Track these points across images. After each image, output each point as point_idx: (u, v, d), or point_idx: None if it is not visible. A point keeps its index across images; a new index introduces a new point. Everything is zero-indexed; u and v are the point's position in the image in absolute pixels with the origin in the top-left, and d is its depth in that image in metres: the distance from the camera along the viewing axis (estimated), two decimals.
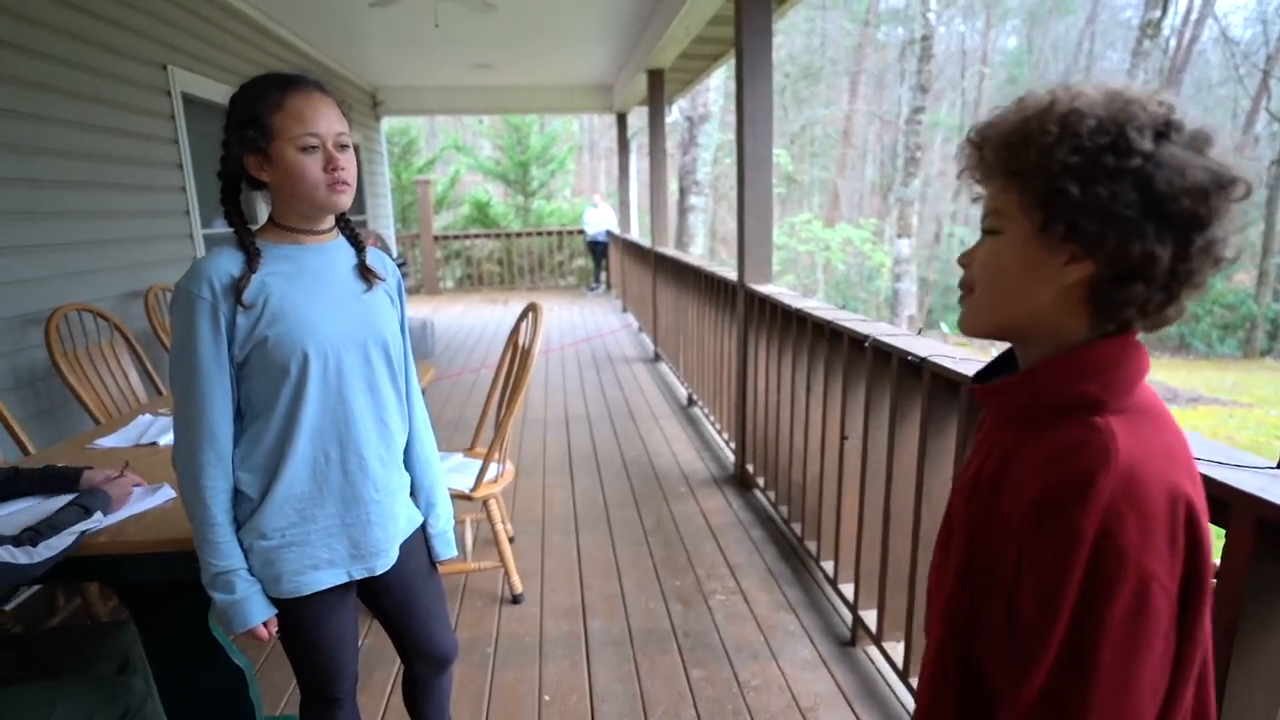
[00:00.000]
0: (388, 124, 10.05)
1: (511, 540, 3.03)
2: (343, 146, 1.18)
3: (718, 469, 3.87)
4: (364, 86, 8.52)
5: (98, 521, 1.43)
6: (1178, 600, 0.62)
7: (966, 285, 0.74)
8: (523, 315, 2.64)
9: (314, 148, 1.15)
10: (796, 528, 2.88)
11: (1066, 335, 0.69)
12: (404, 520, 1.36)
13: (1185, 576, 0.63)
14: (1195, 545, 0.62)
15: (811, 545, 2.70)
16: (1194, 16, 21.28)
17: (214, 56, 4.32)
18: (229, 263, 1.16)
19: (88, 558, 1.41)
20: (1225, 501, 0.96)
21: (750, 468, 3.55)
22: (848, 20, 23.46)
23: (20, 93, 2.73)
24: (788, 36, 22.49)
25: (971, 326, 0.74)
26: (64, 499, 1.51)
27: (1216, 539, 1.03)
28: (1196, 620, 0.64)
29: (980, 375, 0.80)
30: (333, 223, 1.29)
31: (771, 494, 3.23)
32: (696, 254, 11.08)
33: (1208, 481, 0.97)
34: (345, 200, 1.20)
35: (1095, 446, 0.62)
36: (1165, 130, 0.62)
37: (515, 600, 2.59)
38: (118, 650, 1.55)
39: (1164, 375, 12.40)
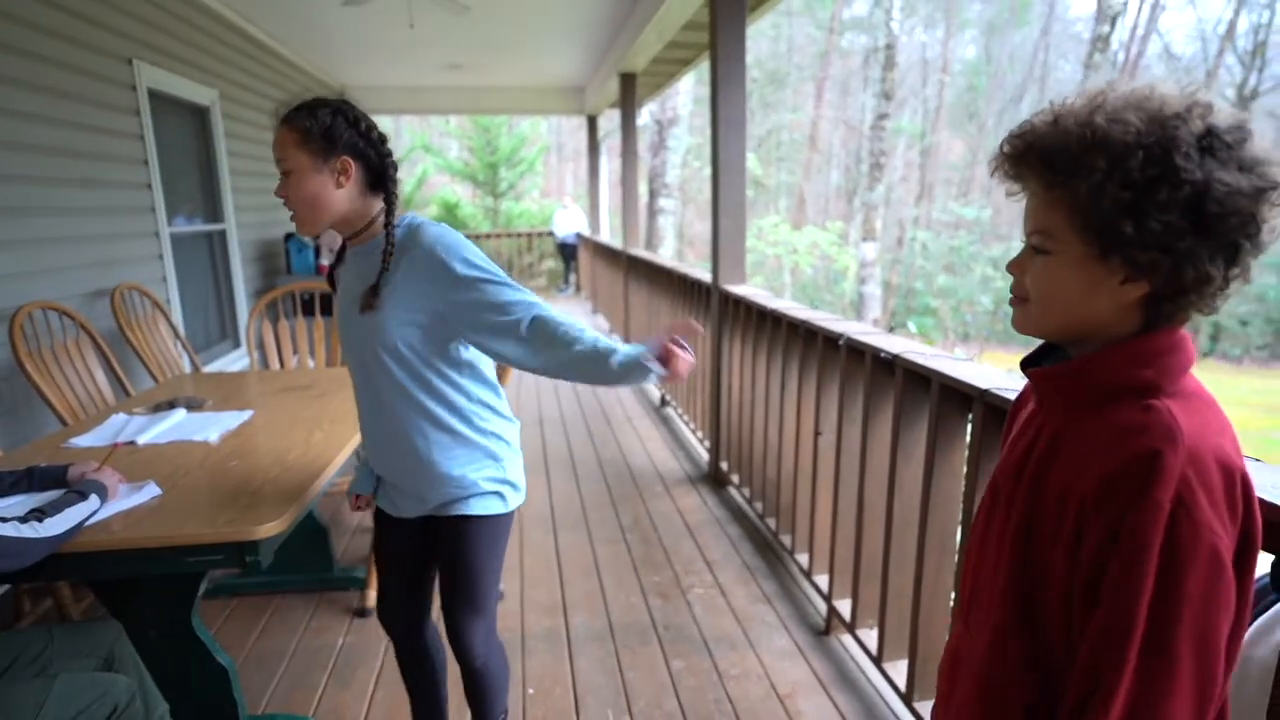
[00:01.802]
0: None
1: None
2: (285, 174, 1.32)
3: (692, 468, 3.93)
4: (331, 85, 8.41)
5: (96, 505, 1.43)
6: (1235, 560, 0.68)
7: (1018, 294, 0.78)
8: None
9: (282, 175, 1.33)
10: (771, 523, 2.95)
11: (1121, 333, 0.73)
12: (435, 491, 1.46)
13: (1239, 541, 0.68)
14: (1249, 512, 0.68)
15: (786, 539, 2.77)
16: (1139, 32, 22.14)
17: (181, 52, 4.25)
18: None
19: (74, 554, 1.40)
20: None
21: (725, 466, 3.61)
22: (813, 27, 23.82)
23: None
24: (755, 42, 22.71)
25: (1027, 331, 0.78)
26: (54, 494, 1.50)
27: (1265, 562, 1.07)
28: (1247, 583, 0.69)
29: (1027, 361, 0.84)
30: (356, 229, 1.40)
31: (746, 491, 3.29)
32: (666, 256, 11.16)
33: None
34: (300, 226, 1.35)
35: (1160, 427, 0.67)
36: (1209, 143, 0.65)
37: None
38: (101, 647, 1.53)
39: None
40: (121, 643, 1.56)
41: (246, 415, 2.21)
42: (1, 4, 2.77)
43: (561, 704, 2.05)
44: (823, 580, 2.43)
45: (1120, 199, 0.66)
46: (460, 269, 1.32)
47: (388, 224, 1.37)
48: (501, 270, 1.38)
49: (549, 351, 1.34)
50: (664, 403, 5.12)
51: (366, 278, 1.37)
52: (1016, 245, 0.78)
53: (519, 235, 12.76)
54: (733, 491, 3.54)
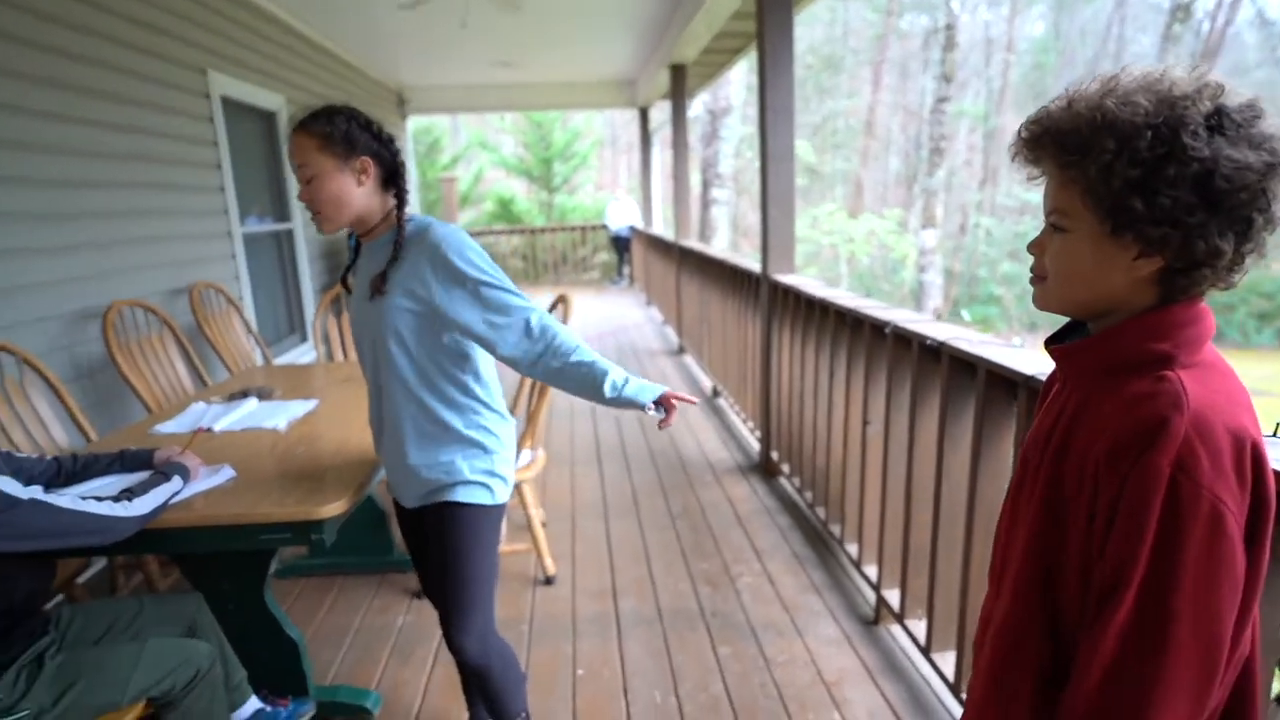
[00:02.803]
0: (413, 122, 10.20)
1: (544, 526, 3.12)
2: (306, 180, 1.40)
3: (743, 458, 3.94)
4: (391, 86, 8.67)
5: (179, 486, 1.55)
6: (1247, 527, 0.69)
7: (1038, 273, 0.81)
8: (552, 306, 2.72)
9: (304, 180, 1.41)
10: (821, 512, 2.94)
11: (1138, 308, 0.75)
12: (416, 482, 1.50)
13: (1251, 508, 0.69)
14: (1260, 480, 0.69)
15: (835, 529, 2.76)
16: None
17: (249, 59, 4.46)
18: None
19: (160, 530, 1.52)
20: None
21: (775, 455, 3.61)
22: (870, 10, 23.23)
23: (73, 99, 2.87)
24: (809, 27, 22.32)
25: (1047, 307, 0.81)
26: (142, 475, 1.63)
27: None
28: (1260, 551, 0.71)
29: (1052, 340, 0.86)
30: (368, 227, 1.48)
31: (796, 480, 3.29)
32: (720, 247, 11.11)
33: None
34: (322, 225, 1.43)
35: (1168, 394, 0.69)
36: (1218, 122, 0.67)
37: (548, 581, 2.68)
38: (185, 617, 1.66)
39: None
40: (202, 612, 1.69)
41: (312, 404, 2.34)
42: (87, 22, 2.97)
43: (610, 685, 2.11)
44: (872, 570, 2.42)
45: (1130, 177, 0.68)
46: (461, 266, 1.38)
47: (399, 217, 1.46)
48: (505, 276, 1.44)
49: (544, 359, 1.43)
50: (715, 393, 5.13)
51: (378, 267, 1.44)
52: None
53: (572, 229, 12.90)
54: (783, 481, 3.54)
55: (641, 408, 1.47)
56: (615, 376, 1.44)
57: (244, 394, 2.44)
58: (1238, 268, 0.71)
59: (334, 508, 1.56)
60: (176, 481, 1.55)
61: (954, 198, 21.27)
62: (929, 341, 1.90)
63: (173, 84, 3.59)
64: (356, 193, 1.41)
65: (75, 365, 2.81)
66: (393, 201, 1.48)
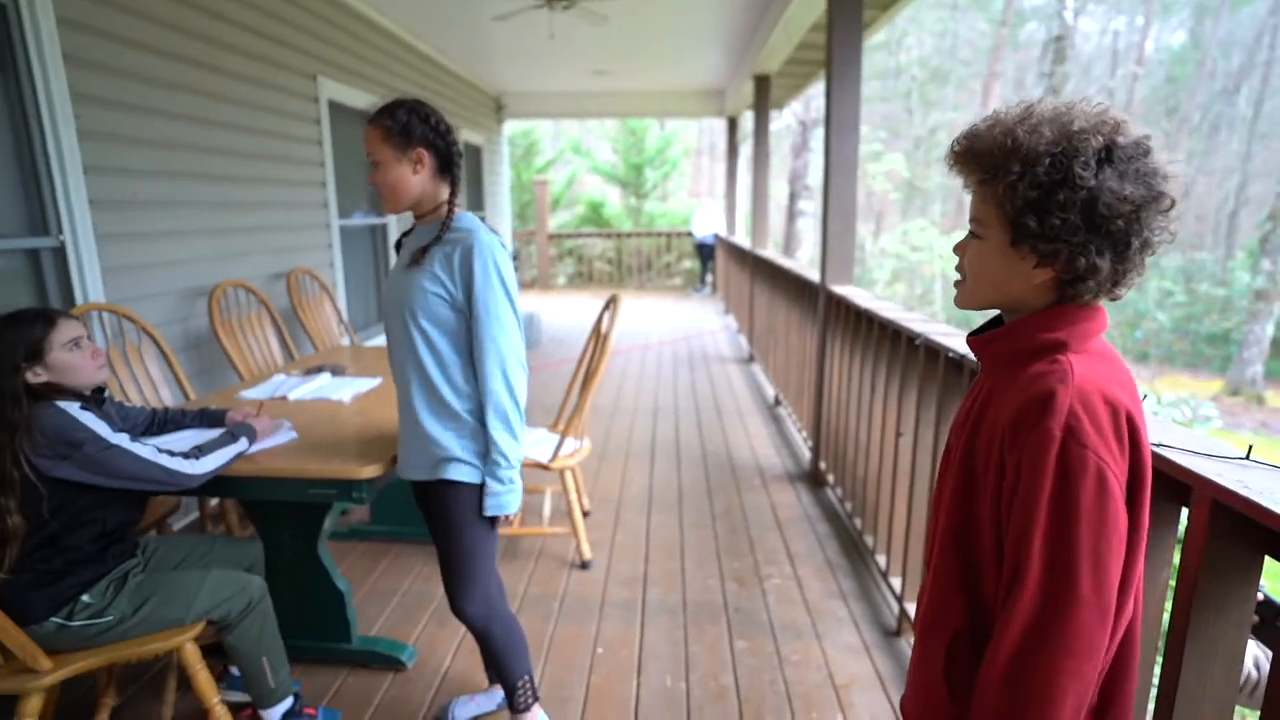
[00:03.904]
0: (512, 126, 10.64)
1: (587, 515, 3.27)
2: (374, 165, 1.55)
3: (794, 466, 3.96)
4: (489, 91, 9.10)
5: (243, 446, 1.77)
6: (1128, 488, 0.79)
7: (960, 273, 0.92)
8: (605, 306, 2.86)
9: (372, 165, 1.57)
10: (858, 522, 2.95)
11: (1039, 308, 0.87)
12: (421, 453, 1.61)
13: (1130, 472, 0.79)
14: (1136, 445, 0.80)
15: (869, 539, 2.77)
16: None
17: (355, 66, 4.85)
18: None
19: (226, 477, 1.75)
20: (1187, 485, 1.02)
21: (823, 465, 3.62)
22: (984, 20, 22.35)
23: (203, 102, 3.24)
24: (917, 38, 21.74)
25: (966, 306, 0.92)
26: (216, 431, 1.87)
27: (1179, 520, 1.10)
28: (1140, 513, 0.81)
29: (976, 333, 0.96)
30: (423, 211, 1.61)
31: (839, 490, 3.29)
32: (803, 259, 11.00)
33: (1173, 466, 1.04)
34: (385, 206, 1.59)
35: (1058, 372, 0.80)
36: (1108, 155, 0.77)
37: (584, 566, 2.82)
38: (248, 558, 1.90)
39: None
40: (261, 560, 1.92)
41: (376, 382, 2.57)
42: (211, 33, 3.34)
43: (625, 665, 2.21)
44: (897, 581, 2.42)
45: (1029, 197, 0.80)
46: (478, 274, 1.51)
47: (451, 204, 1.59)
48: (512, 307, 1.56)
49: (483, 394, 1.58)
50: (777, 402, 5.15)
51: (422, 243, 1.58)
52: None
53: (658, 235, 13.07)
54: (829, 491, 3.54)
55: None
56: (495, 454, 1.56)
57: (320, 369, 2.70)
58: (1120, 282, 0.82)
59: (372, 469, 1.75)
60: (242, 442, 1.78)
61: None
62: (952, 355, 1.91)
63: (287, 89, 3.97)
64: (413, 180, 1.55)
65: (186, 336, 3.17)
66: (447, 190, 1.60)
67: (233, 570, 1.78)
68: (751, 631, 2.38)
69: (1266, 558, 0.98)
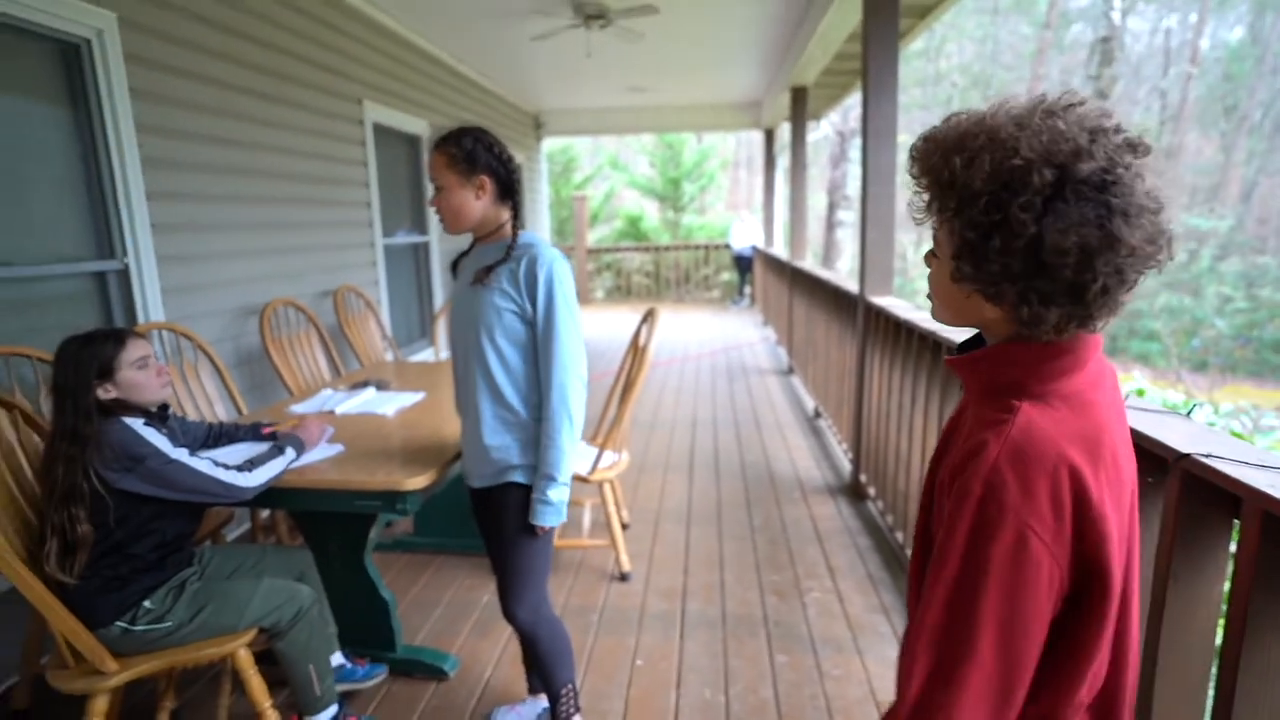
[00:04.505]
0: (550, 143, 10.80)
1: (626, 527, 3.28)
2: (438, 189, 1.62)
3: (834, 478, 3.92)
4: (528, 110, 9.27)
5: (292, 457, 1.84)
6: (1072, 572, 0.70)
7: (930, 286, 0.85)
8: (643, 319, 2.88)
9: (436, 189, 1.63)
10: (899, 535, 2.90)
11: (1003, 335, 0.78)
12: (486, 462, 1.67)
13: (1082, 551, 0.70)
14: (1082, 516, 0.70)
15: (909, 552, 2.72)
16: None
17: (399, 89, 5.01)
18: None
19: (276, 489, 1.81)
20: (1237, 497, 1.00)
21: (864, 478, 3.58)
22: (1026, 24, 21.95)
23: (254, 128, 3.39)
24: (957, 45, 21.45)
25: (936, 319, 0.86)
26: (265, 446, 1.95)
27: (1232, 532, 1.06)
28: (1097, 614, 0.71)
29: (960, 347, 0.89)
30: (485, 232, 1.68)
31: (880, 503, 3.25)
32: (843, 270, 10.91)
33: (1222, 477, 1.01)
34: (446, 227, 1.66)
35: (999, 423, 0.72)
36: (1057, 191, 0.66)
37: (623, 578, 2.83)
38: (297, 567, 1.96)
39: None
40: (311, 567, 1.98)
41: (419, 396, 2.63)
42: (262, 62, 3.49)
43: (664, 677, 2.21)
44: None
45: (966, 237, 0.72)
46: (543, 288, 1.57)
47: (515, 225, 1.67)
48: (575, 320, 1.62)
49: (544, 405, 1.62)
50: (817, 414, 5.10)
51: (488, 262, 1.64)
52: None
53: (696, 247, 13.10)
54: (870, 504, 3.50)
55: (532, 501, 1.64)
56: (549, 467, 1.60)
57: (365, 384, 2.78)
58: (1090, 319, 0.71)
59: (416, 481, 1.79)
60: (290, 454, 1.84)
61: None
62: None
63: (333, 113, 4.11)
64: (475, 205, 1.62)
65: (238, 353, 3.30)
66: (508, 214, 1.68)
67: (283, 579, 1.84)
68: (792, 645, 2.37)
69: None
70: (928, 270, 0.84)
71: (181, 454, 1.65)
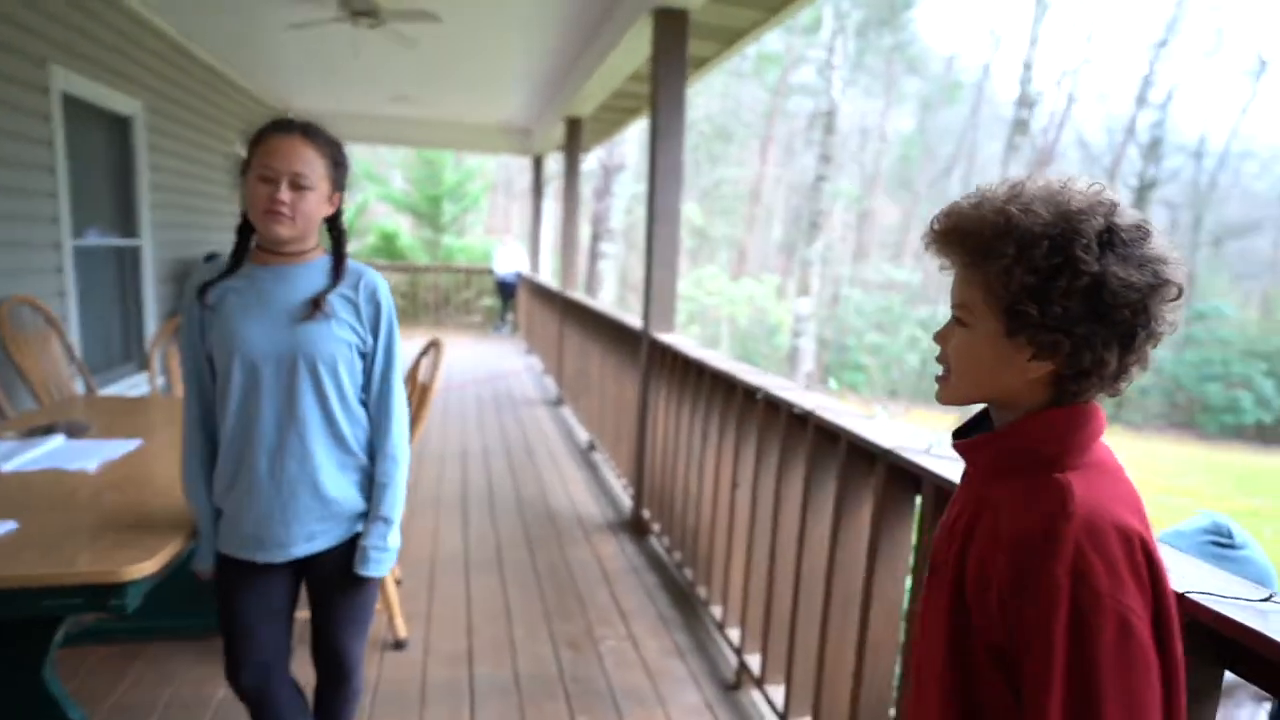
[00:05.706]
0: None
1: (399, 583, 2.91)
2: (298, 186, 1.33)
3: (614, 514, 3.87)
4: (273, 106, 8.24)
5: None
6: (1153, 627, 0.69)
7: (942, 363, 0.81)
8: (423, 351, 2.59)
9: (268, 179, 1.31)
10: (689, 573, 2.91)
11: (1033, 405, 0.76)
12: (317, 522, 1.44)
13: (1153, 603, 0.69)
14: (1156, 579, 0.69)
15: (702, 591, 2.74)
16: (1056, 120, 24.08)
17: (104, 58, 4.09)
18: (209, 271, 1.40)
19: None
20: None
21: (646, 514, 3.57)
22: (761, 89, 24.83)
23: None
24: (704, 98, 23.53)
25: (948, 402, 0.82)
26: None
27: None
28: (1171, 644, 0.70)
29: (960, 431, 0.86)
30: (304, 248, 1.42)
31: (666, 540, 3.26)
32: (606, 300, 11.21)
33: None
34: (279, 230, 1.34)
35: (1056, 500, 0.70)
36: (1109, 239, 0.70)
37: (398, 645, 2.48)
38: None
39: None
40: None
41: (135, 444, 2.07)
42: None
43: None
44: (735, 633, 2.40)
45: (1026, 283, 0.71)
46: (385, 324, 1.46)
47: (339, 248, 1.47)
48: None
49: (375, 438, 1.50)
50: (591, 447, 5.07)
51: (302, 291, 1.40)
52: (943, 309, 0.81)
53: (457, 270, 12.65)
54: (653, 540, 3.50)
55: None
56: (388, 510, 1.48)
57: (49, 429, 2.13)
58: (1123, 377, 0.73)
59: (142, 566, 1.36)
60: None
61: (829, 270, 22.75)
62: (797, 409, 1.94)
63: (3, 74, 3.21)
64: (320, 217, 1.42)
65: None
66: (328, 234, 1.49)
67: None
68: (593, 704, 2.22)
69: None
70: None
71: None
